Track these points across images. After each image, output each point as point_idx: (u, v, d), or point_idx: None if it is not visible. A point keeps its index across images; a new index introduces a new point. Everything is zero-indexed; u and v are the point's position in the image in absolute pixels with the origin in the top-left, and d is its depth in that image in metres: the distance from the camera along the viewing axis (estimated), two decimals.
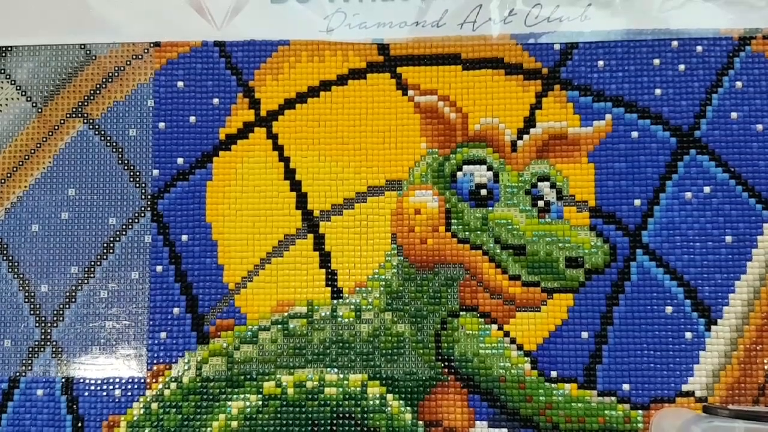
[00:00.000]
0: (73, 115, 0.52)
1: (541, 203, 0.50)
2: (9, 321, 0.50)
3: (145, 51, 0.52)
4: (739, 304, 0.48)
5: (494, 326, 0.49)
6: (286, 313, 0.49)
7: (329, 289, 0.50)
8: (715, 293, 0.48)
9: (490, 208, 0.50)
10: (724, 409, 0.42)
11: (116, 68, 0.52)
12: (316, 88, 0.52)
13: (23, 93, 0.52)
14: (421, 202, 0.50)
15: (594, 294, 0.49)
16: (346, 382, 0.48)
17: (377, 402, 0.48)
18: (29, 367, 0.49)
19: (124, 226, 0.50)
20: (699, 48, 0.51)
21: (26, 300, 0.50)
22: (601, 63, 0.51)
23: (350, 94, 0.51)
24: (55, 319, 0.50)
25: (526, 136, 0.50)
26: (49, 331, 0.50)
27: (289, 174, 0.51)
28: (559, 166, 0.50)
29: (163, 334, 0.49)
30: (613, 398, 0.48)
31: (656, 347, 0.48)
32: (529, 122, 0.51)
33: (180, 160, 0.51)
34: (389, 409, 0.48)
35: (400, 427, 0.48)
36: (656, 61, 0.51)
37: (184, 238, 0.50)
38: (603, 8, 0.51)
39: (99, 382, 0.49)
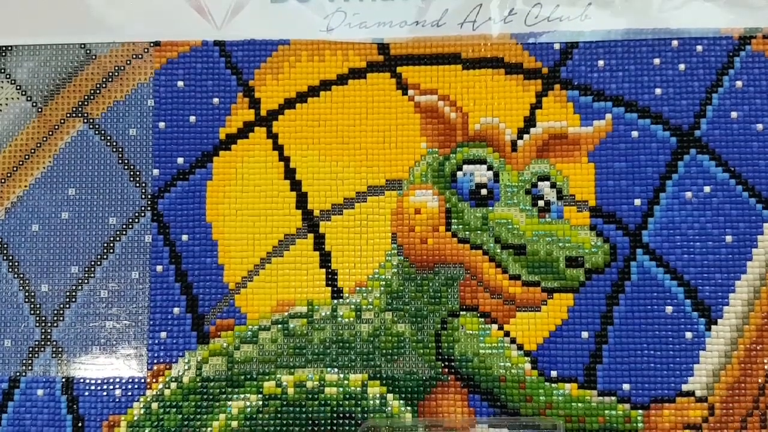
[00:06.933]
0: (73, 115, 0.52)
1: (541, 203, 0.49)
2: (9, 321, 0.50)
3: (145, 51, 0.52)
4: (739, 303, 0.48)
5: (494, 326, 0.49)
6: (286, 313, 0.49)
7: (329, 288, 0.49)
8: (715, 293, 0.48)
9: (490, 208, 0.50)
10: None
11: (116, 68, 0.52)
12: (316, 88, 0.52)
13: (23, 93, 0.52)
14: (421, 201, 0.50)
15: (594, 294, 0.49)
16: (346, 381, 0.48)
17: (377, 402, 0.48)
18: (29, 367, 0.49)
19: (124, 226, 0.50)
20: (699, 47, 0.51)
21: (26, 300, 0.50)
22: (601, 63, 0.51)
23: (350, 94, 0.51)
24: (55, 319, 0.50)
25: (526, 136, 0.50)
26: (49, 331, 0.50)
27: (289, 174, 0.51)
28: (559, 165, 0.50)
29: (163, 334, 0.49)
30: (613, 398, 0.48)
31: (656, 347, 0.48)
32: (529, 122, 0.51)
33: (180, 160, 0.51)
34: (389, 408, 0.48)
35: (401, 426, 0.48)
36: (656, 61, 0.51)
37: (185, 237, 0.50)
38: (603, 8, 0.51)
39: (99, 382, 0.49)
